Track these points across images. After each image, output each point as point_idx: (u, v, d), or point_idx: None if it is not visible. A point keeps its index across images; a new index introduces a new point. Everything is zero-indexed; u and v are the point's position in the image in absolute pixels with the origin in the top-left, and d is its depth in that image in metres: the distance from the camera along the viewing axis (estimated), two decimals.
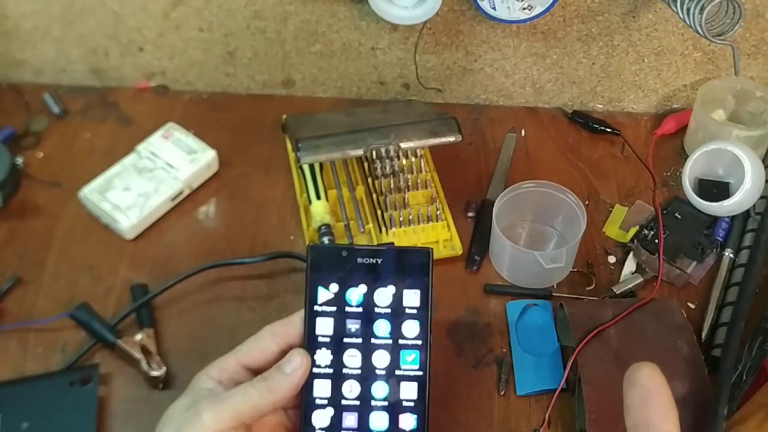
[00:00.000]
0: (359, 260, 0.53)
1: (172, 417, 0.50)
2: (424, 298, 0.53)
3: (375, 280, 0.53)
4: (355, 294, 0.53)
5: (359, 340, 0.52)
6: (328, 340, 0.52)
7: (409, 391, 0.52)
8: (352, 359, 0.52)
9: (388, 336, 0.52)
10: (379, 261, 0.53)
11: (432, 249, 0.53)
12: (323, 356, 0.52)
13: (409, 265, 0.53)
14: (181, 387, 0.52)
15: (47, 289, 0.76)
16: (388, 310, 0.52)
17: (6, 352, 0.71)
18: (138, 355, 0.69)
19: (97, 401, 0.66)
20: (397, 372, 0.52)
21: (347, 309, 0.52)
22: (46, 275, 0.77)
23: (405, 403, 0.52)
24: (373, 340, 0.52)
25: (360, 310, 0.52)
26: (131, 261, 0.78)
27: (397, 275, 0.53)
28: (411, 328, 0.52)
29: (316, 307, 0.52)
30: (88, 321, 0.71)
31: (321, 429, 0.51)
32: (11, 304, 0.74)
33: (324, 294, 0.53)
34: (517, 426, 0.67)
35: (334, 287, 0.53)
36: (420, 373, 0.52)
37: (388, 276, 0.53)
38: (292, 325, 0.53)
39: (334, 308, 0.52)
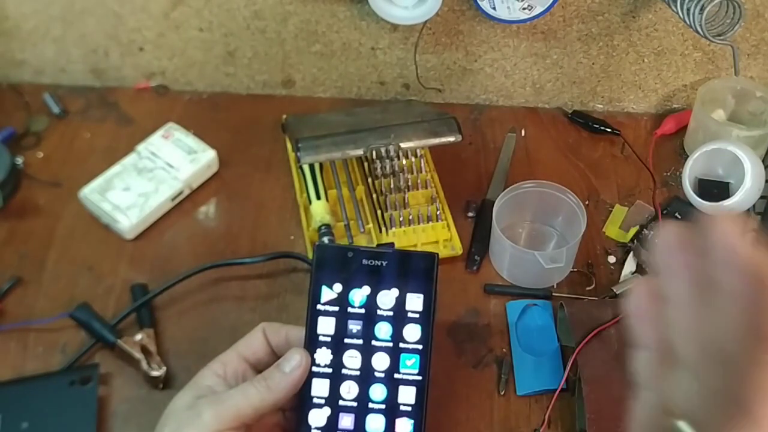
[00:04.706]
0: (364, 262, 0.53)
1: (172, 415, 0.50)
2: (428, 303, 0.52)
3: (379, 282, 0.53)
4: (359, 295, 0.53)
5: (360, 342, 0.52)
6: (328, 339, 0.52)
7: (407, 395, 0.52)
8: (352, 360, 0.52)
9: (389, 339, 0.52)
10: (384, 263, 0.53)
11: (438, 254, 0.53)
12: (323, 356, 0.52)
13: (414, 269, 0.53)
14: (180, 387, 0.52)
15: (47, 289, 0.76)
16: (391, 313, 0.52)
17: (6, 352, 0.71)
18: (138, 355, 0.69)
19: (97, 401, 0.66)
20: (396, 375, 0.52)
21: (349, 309, 0.52)
22: (46, 275, 0.77)
23: (402, 407, 0.52)
24: (373, 342, 0.52)
25: (362, 311, 0.52)
26: (131, 261, 0.78)
27: (401, 278, 0.53)
28: (412, 333, 0.52)
29: (318, 306, 0.52)
30: (88, 321, 0.71)
31: (317, 428, 0.51)
32: (11, 304, 0.74)
33: (327, 293, 0.53)
34: (517, 426, 0.67)
35: (338, 287, 0.53)
36: (419, 378, 0.52)
37: (392, 279, 0.53)
38: (281, 333, 0.54)
39: (336, 308, 0.52)
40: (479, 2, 0.81)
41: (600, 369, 0.65)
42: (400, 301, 0.52)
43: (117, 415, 0.67)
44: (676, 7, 0.77)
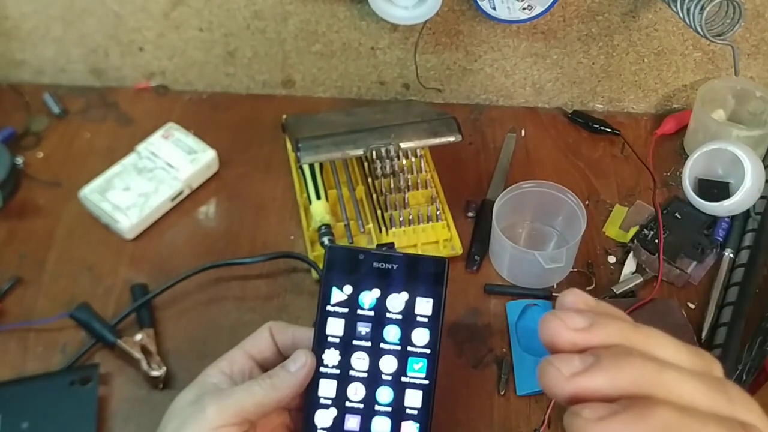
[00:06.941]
0: (375, 264, 0.53)
1: (176, 411, 0.50)
2: (437, 308, 0.52)
3: (389, 285, 0.53)
4: (368, 297, 0.53)
5: (368, 344, 0.52)
6: (337, 340, 0.52)
7: (413, 399, 0.52)
8: (360, 362, 0.52)
9: (398, 342, 0.52)
10: (395, 267, 0.53)
11: (448, 260, 0.53)
12: (331, 356, 0.52)
13: (424, 274, 0.53)
14: (181, 387, 0.52)
15: (47, 289, 0.76)
16: (400, 317, 0.52)
17: (6, 352, 0.71)
18: (138, 355, 0.69)
19: (97, 401, 0.66)
20: (404, 379, 0.52)
21: (359, 312, 0.52)
22: (46, 275, 0.77)
23: (408, 411, 0.51)
24: (382, 345, 0.52)
25: (372, 313, 0.52)
26: (131, 261, 0.78)
27: (411, 282, 0.53)
28: (421, 336, 0.52)
29: (328, 307, 0.52)
30: (88, 321, 0.71)
31: (323, 429, 0.51)
32: (11, 304, 0.74)
33: (337, 295, 0.53)
34: (517, 426, 0.67)
35: (348, 289, 0.53)
36: (426, 381, 0.52)
37: (402, 282, 0.53)
38: (288, 332, 0.54)
39: (346, 310, 0.52)
40: (479, 2, 0.81)
41: None
42: (410, 305, 0.52)
43: (117, 415, 0.67)
44: (676, 7, 0.77)
